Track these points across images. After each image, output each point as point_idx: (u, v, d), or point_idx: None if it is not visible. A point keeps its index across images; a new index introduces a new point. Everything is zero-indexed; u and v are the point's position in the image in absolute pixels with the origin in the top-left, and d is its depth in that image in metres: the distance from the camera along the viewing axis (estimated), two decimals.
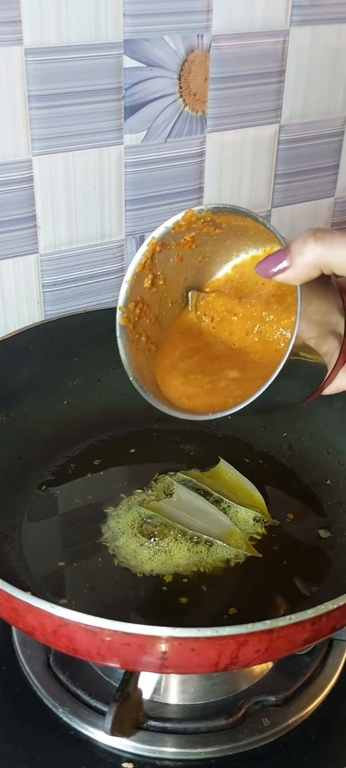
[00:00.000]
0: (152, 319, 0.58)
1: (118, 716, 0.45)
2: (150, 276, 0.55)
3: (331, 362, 0.49)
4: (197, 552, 0.56)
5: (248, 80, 0.75)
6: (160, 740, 0.49)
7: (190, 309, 0.60)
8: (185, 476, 0.63)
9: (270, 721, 0.51)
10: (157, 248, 0.53)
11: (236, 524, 0.59)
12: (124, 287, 0.54)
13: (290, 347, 0.46)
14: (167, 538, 0.57)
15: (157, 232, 0.51)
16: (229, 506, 0.60)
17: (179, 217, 0.50)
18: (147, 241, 0.52)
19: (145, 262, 0.53)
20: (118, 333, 0.56)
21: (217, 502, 0.61)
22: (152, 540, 0.56)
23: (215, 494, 0.61)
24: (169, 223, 0.51)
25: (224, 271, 0.58)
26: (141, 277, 0.55)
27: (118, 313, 0.56)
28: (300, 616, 0.40)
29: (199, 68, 0.72)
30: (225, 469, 0.64)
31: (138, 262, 0.53)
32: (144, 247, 0.53)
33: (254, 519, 0.60)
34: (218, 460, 0.65)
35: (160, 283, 0.56)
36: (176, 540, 0.57)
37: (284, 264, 0.43)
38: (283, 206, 0.84)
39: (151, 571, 0.54)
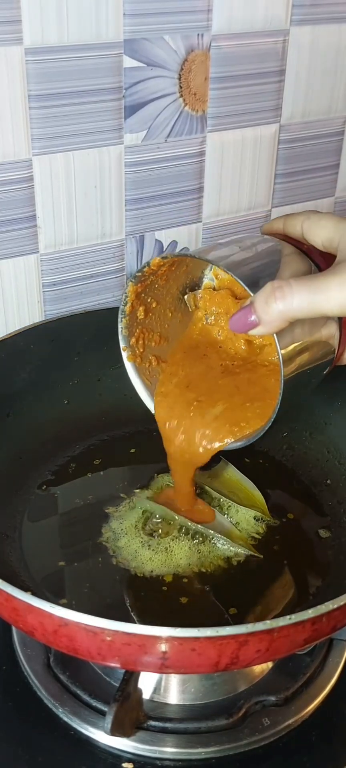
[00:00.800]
0: (157, 339, 0.59)
1: (118, 716, 0.45)
2: (141, 308, 0.57)
3: (333, 345, 0.51)
4: (198, 551, 0.56)
5: (248, 80, 0.75)
6: (160, 740, 0.49)
7: (190, 310, 0.61)
8: None
9: (270, 721, 0.51)
10: (138, 288, 0.55)
11: (237, 523, 0.59)
12: (120, 330, 0.57)
13: (281, 386, 0.48)
14: (168, 537, 0.57)
15: (134, 278, 0.54)
16: (229, 506, 0.60)
17: (148, 262, 0.52)
18: (126, 288, 0.54)
19: (132, 302, 0.55)
20: (129, 373, 0.59)
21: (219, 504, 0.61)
22: (155, 536, 0.57)
23: (215, 493, 0.61)
24: (141, 268, 0.53)
25: (211, 268, 0.60)
26: (133, 315, 0.57)
27: (124, 354, 0.58)
28: (300, 616, 0.40)
29: (199, 68, 0.72)
30: (227, 468, 0.64)
31: (124, 307, 0.55)
32: (125, 293, 0.55)
33: (255, 518, 0.60)
34: (220, 460, 0.65)
35: (154, 305, 0.58)
36: (177, 538, 0.57)
37: (253, 321, 0.45)
38: (283, 206, 0.84)
39: (152, 571, 0.54)
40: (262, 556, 0.56)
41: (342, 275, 0.44)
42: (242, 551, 0.56)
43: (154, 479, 0.63)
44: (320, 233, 0.50)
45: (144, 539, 0.57)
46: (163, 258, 0.52)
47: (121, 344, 0.57)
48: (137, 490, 0.62)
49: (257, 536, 0.58)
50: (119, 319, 0.56)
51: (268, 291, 0.45)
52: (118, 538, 0.57)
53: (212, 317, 0.60)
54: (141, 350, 0.59)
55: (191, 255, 0.52)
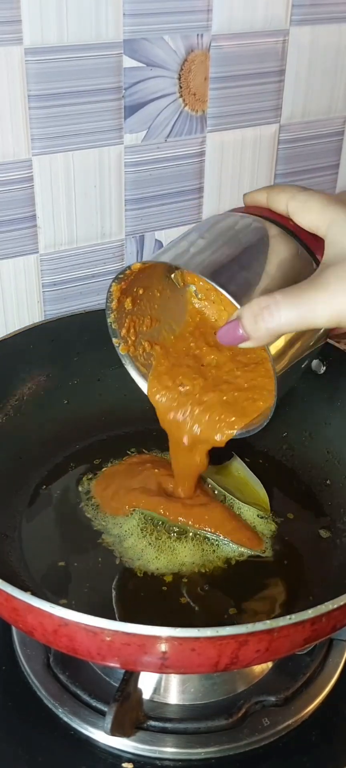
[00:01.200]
0: (148, 323, 0.58)
1: (118, 716, 0.45)
2: (128, 299, 0.56)
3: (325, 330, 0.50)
4: (201, 550, 0.56)
5: (248, 80, 0.75)
6: (160, 740, 0.49)
7: (178, 287, 0.59)
8: None
9: (270, 721, 0.50)
10: (122, 285, 0.54)
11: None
12: (110, 325, 0.56)
13: (276, 385, 0.48)
14: (171, 538, 0.57)
15: (116, 279, 0.53)
16: (232, 504, 0.60)
17: (129, 266, 0.51)
18: (110, 288, 0.54)
19: (118, 299, 0.55)
20: (124, 364, 0.58)
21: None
22: (154, 536, 0.57)
23: (220, 490, 0.61)
24: (122, 271, 0.52)
25: None
26: (120, 308, 0.56)
27: (116, 346, 0.57)
28: (300, 615, 0.40)
29: (199, 68, 0.72)
30: (236, 465, 0.65)
31: (110, 304, 0.54)
32: (110, 291, 0.54)
33: (258, 516, 0.59)
34: (229, 456, 0.65)
35: (141, 292, 0.57)
36: (179, 539, 0.57)
37: (242, 336, 0.44)
38: None
39: (157, 569, 0.54)
40: (265, 553, 0.56)
41: (329, 287, 0.43)
42: (247, 550, 0.56)
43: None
44: (306, 216, 0.48)
45: (150, 539, 0.57)
46: (143, 263, 0.51)
47: (113, 338, 0.57)
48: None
49: (260, 535, 0.58)
50: (107, 316, 0.55)
51: (255, 310, 0.44)
52: (123, 540, 0.57)
53: (202, 293, 0.60)
54: (133, 338, 0.58)
55: (170, 262, 0.51)
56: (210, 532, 0.57)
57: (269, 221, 0.50)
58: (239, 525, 0.58)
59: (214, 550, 0.56)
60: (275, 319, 0.43)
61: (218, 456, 0.63)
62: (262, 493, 0.62)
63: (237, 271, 0.47)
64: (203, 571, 0.55)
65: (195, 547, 0.56)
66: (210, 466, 0.61)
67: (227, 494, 0.61)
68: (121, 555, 0.56)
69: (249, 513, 0.60)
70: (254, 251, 0.48)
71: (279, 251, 0.48)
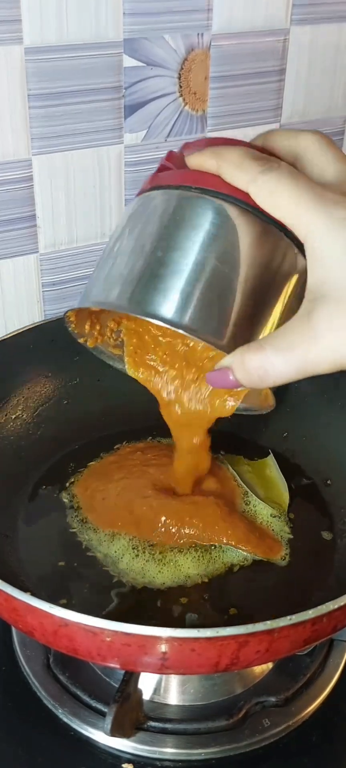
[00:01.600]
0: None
1: (118, 717, 0.45)
2: (86, 311, 0.50)
3: None
4: (203, 560, 0.55)
5: (249, 79, 0.75)
6: (160, 741, 0.49)
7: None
8: (224, 461, 0.64)
9: (271, 721, 0.50)
10: (76, 312, 0.49)
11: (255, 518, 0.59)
12: (71, 332, 0.50)
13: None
14: (171, 552, 0.55)
15: (66, 317, 0.48)
16: (248, 501, 0.60)
17: (66, 313, 0.47)
18: (65, 321, 0.48)
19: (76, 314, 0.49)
20: (98, 355, 0.54)
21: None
22: (147, 552, 0.55)
23: (242, 484, 0.61)
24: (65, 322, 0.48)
25: None
26: (80, 321, 0.51)
27: (84, 344, 0.53)
28: (301, 616, 0.40)
29: (199, 67, 0.71)
30: (270, 464, 0.64)
31: (69, 329, 0.49)
32: (66, 323, 0.49)
33: (271, 515, 0.59)
34: (266, 453, 0.65)
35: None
36: (180, 552, 0.55)
37: (234, 383, 0.40)
38: None
39: (163, 583, 0.53)
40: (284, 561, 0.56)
41: (324, 336, 0.36)
42: (250, 554, 0.56)
43: None
44: (275, 212, 0.38)
45: (146, 556, 0.55)
46: (73, 310, 0.46)
47: (79, 340, 0.52)
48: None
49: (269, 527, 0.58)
50: (67, 326, 0.50)
51: (247, 367, 0.38)
52: (117, 561, 0.55)
53: None
54: (98, 328, 0.53)
55: (113, 307, 0.41)
56: (232, 545, 0.56)
57: (223, 198, 0.39)
58: (260, 534, 0.57)
59: (212, 558, 0.56)
60: (271, 378, 0.38)
61: (251, 451, 0.65)
62: (285, 496, 0.61)
63: (201, 298, 0.38)
64: (206, 581, 0.54)
65: (199, 558, 0.55)
66: (239, 456, 0.61)
67: (247, 489, 0.60)
68: (127, 577, 0.54)
69: (264, 511, 0.59)
70: (214, 255, 0.38)
71: (247, 247, 0.38)
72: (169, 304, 0.38)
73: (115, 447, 0.67)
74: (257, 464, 0.65)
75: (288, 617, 0.40)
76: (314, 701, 0.52)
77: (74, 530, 0.58)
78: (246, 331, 0.39)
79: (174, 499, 0.57)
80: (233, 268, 0.38)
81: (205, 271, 0.38)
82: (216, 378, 0.41)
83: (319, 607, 0.41)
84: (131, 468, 0.62)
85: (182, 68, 0.71)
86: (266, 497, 0.61)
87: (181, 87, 0.72)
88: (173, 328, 0.38)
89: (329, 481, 0.63)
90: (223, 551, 0.56)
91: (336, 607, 0.41)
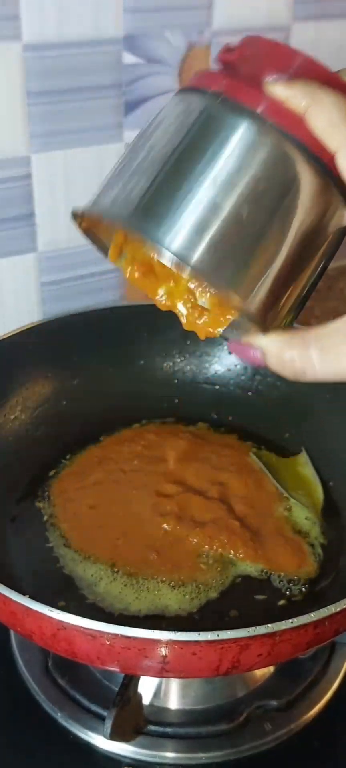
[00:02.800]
0: None
1: (117, 721, 0.45)
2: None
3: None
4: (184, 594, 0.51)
5: None
6: (160, 745, 0.49)
7: None
8: (257, 458, 0.63)
9: (272, 725, 0.50)
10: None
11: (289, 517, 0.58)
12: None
13: None
14: (152, 580, 0.52)
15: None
16: (285, 504, 0.59)
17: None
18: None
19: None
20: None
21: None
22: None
23: (273, 481, 0.60)
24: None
25: None
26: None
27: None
28: (302, 619, 0.40)
29: (199, 64, 0.71)
30: (302, 461, 0.64)
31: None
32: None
33: (306, 518, 0.58)
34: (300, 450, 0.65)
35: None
36: (162, 582, 0.52)
37: (259, 361, 0.37)
38: None
39: (139, 611, 0.50)
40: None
41: None
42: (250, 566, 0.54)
43: None
44: (317, 122, 0.33)
45: (125, 580, 0.51)
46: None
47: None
48: None
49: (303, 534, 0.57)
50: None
51: (284, 358, 0.36)
52: (94, 584, 0.51)
53: None
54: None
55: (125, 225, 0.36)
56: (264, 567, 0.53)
57: (304, 152, 0.34)
58: (293, 550, 0.55)
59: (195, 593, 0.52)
60: (307, 376, 0.36)
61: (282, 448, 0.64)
62: (319, 495, 0.60)
63: (238, 246, 0.33)
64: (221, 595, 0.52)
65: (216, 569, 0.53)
66: (276, 455, 0.60)
67: (280, 488, 0.60)
68: (104, 601, 0.50)
69: (300, 514, 0.58)
70: (269, 208, 0.33)
71: (311, 215, 0.34)
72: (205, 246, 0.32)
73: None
74: (290, 461, 0.64)
75: (290, 620, 0.39)
76: (316, 705, 0.52)
77: (51, 544, 0.56)
78: (278, 301, 0.35)
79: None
80: (287, 232, 0.34)
81: (254, 223, 0.33)
82: (241, 351, 0.38)
83: (321, 610, 0.40)
84: (114, 469, 0.60)
85: (182, 65, 0.70)
86: (299, 496, 0.60)
87: (181, 84, 0.71)
88: (201, 278, 0.33)
89: (331, 483, 0.63)
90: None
91: (338, 610, 0.41)
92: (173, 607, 0.50)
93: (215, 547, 0.54)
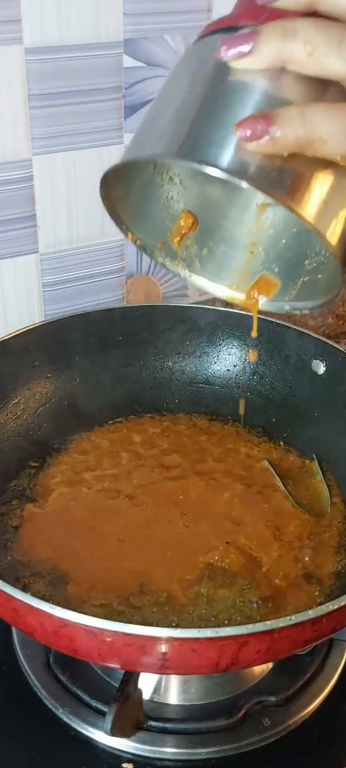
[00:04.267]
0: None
1: (118, 716, 0.45)
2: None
3: None
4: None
5: None
6: (160, 740, 0.49)
7: None
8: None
9: (271, 721, 0.50)
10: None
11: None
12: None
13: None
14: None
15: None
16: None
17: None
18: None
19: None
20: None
21: None
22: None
23: (281, 486, 0.61)
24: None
25: None
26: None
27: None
28: (301, 616, 0.40)
29: None
30: (314, 470, 0.64)
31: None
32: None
33: None
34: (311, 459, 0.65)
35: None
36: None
37: (246, 54, 0.33)
38: None
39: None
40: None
41: None
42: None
43: None
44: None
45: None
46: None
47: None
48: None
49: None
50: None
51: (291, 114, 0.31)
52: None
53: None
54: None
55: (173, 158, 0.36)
56: None
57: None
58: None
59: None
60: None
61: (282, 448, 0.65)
62: (327, 506, 0.61)
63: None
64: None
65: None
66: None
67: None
68: None
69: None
70: None
71: None
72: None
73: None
74: (301, 471, 0.64)
75: (288, 617, 0.40)
76: (314, 701, 0.52)
77: None
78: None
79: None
80: None
81: None
82: (234, 40, 0.33)
83: (319, 608, 0.41)
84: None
85: None
86: (307, 505, 0.60)
87: None
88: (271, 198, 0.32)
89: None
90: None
91: (336, 607, 0.41)
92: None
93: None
